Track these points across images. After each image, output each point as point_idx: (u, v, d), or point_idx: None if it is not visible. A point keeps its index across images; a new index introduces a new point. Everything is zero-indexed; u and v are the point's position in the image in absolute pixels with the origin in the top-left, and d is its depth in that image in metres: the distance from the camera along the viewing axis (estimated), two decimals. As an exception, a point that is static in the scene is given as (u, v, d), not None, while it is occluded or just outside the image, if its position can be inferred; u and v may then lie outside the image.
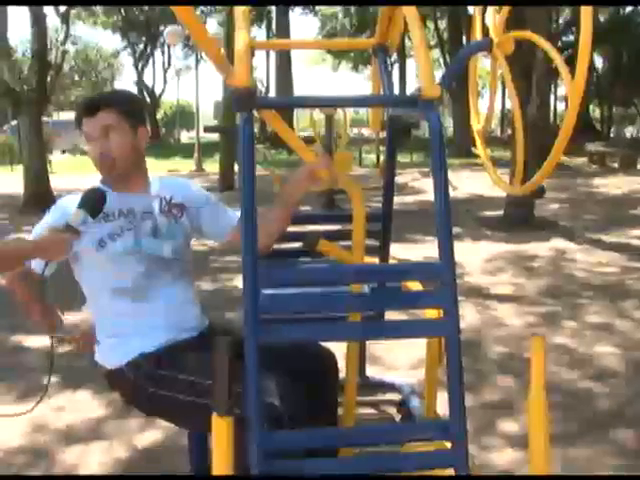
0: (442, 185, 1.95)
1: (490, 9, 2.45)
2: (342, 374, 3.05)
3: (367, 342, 3.89)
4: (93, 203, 2.38)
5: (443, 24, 33.51)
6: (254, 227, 1.88)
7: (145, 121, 2.68)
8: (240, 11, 2.29)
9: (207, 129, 3.39)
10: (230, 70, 2.11)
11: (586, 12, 1.82)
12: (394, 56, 32.92)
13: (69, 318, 2.79)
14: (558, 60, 2.00)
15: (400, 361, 4.82)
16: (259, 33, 38.14)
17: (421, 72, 2.08)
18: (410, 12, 2.23)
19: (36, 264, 2.43)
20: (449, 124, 34.38)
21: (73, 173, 18.79)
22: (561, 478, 3.31)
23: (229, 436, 1.76)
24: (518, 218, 10.61)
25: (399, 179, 16.92)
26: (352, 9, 35.62)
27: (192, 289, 2.69)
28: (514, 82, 2.38)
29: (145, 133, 2.61)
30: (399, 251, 7.37)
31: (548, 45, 2.07)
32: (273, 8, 35.16)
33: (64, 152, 31.06)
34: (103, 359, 2.53)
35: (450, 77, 2.19)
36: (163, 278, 2.54)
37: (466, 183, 15.98)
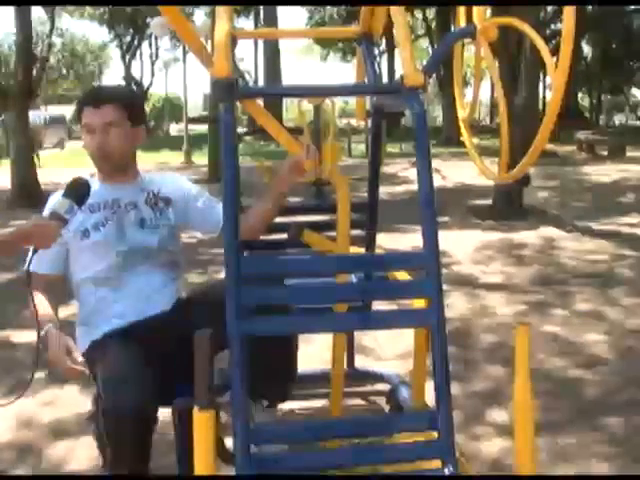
0: (426, 172, 1.94)
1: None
2: (329, 365, 3.05)
3: (355, 332, 3.87)
4: (78, 192, 2.38)
5: (431, 13, 33.43)
6: (235, 216, 1.86)
7: (145, 121, 2.77)
8: (222, 5, 2.27)
9: (192, 120, 3.37)
10: (209, 58, 2.08)
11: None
12: (382, 46, 32.89)
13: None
14: (542, 46, 1.99)
15: (389, 351, 4.81)
16: (246, 24, 37.94)
17: (403, 60, 2.07)
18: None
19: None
20: (438, 113, 34.39)
21: (61, 167, 18.68)
22: (560, 478, 3.30)
23: (210, 430, 1.74)
24: (506, 206, 10.61)
25: (388, 169, 16.92)
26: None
27: (174, 280, 2.73)
28: (501, 70, 2.37)
29: (143, 133, 2.69)
30: (388, 241, 7.36)
31: (532, 32, 2.06)
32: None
33: (56, 147, 30.83)
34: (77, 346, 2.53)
35: (433, 64, 2.17)
36: (142, 267, 2.60)
37: (455, 172, 15.99)
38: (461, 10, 2.61)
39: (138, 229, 2.64)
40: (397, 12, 2.21)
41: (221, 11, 2.15)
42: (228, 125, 1.90)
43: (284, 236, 2.80)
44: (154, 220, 2.67)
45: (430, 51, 36.07)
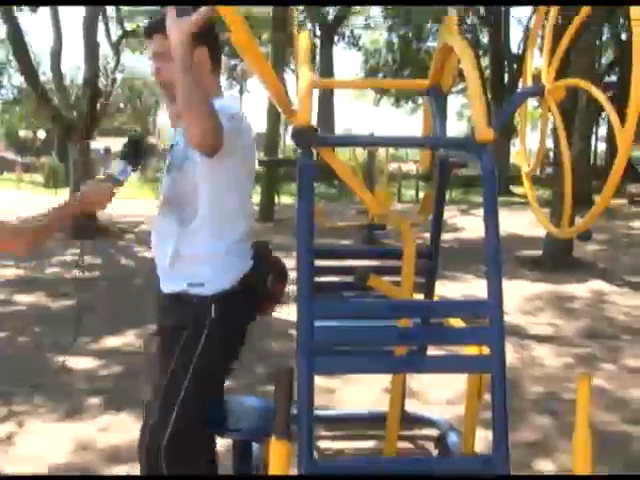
0: (493, 226, 2.02)
1: (543, 56, 2.53)
2: (384, 407, 3.11)
3: (405, 377, 3.92)
4: (132, 152, 2.47)
5: (485, 61, 33.63)
6: (310, 262, 1.96)
7: (205, 43, 2.46)
8: (302, 52, 2.40)
9: (262, 163, 3.48)
10: (289, 107, 2.21)
11: (637, 57, 1.86)
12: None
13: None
14: (609, 109, 2.06)
15: (438, 396, 4.83)
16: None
17: (475, 116, 2.16)
18: (465, 56, 2.32)
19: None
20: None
21: (118, 197, 19.08)
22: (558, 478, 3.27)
23: (286, 459, 1.82)
24: (557, 258, 10.57)
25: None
26: (395, 45, 35.91)
27: (172, 237, 2.52)
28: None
29: (202, 56, 2.45)
30: (438, 288, 7.38)
31: (601, 94, 2.14)
32: (317, 42, 35.68)
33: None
34: None
35: (503, 121, 2.26)
36: (156, 217, 2.60)
37: (504, 221, 15.89)
38: (528, 68, 2.71)
39: (165, 174, 2.59)
40: (469, 68, 2.31)
41: (303, 62, 2.28)
42: (307, 169, 2.02)
43: (348, 278, 2.90)
44: (173, 163, 2.55)
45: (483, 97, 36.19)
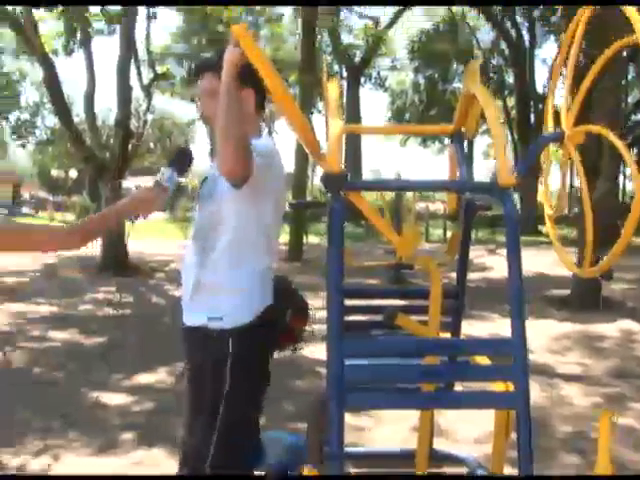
0: (516, 267, 2.10)
1: (563, 101, 2.62)
2: (412, 445, 3.16)
3: (433, 415, 3.97)
4: (179, 161, 2.58)
5: (511, 101, 33.82)
6: (340, 302, 2.06)
7: (251, 84, 2.56)
8: (332, 100, 2.52)
9: (292, 205, 3.59)
10: (319, 151, 2.31)
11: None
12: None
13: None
14: (627, 156, 2.15)
15: (466, 434, 4.86)
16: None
17: (498, 162, 2.26)
18: (488, 104, 2.43)
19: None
20: (517, 202, 34.32)
21: (147, 237, 19.38)
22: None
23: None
24: (585, 297, 10.55)
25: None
26: (422, 86, 36.28)
27: (198, 265, 2.60)
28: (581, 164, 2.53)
29: (248, 97, 2.59)
30: (464, 327, 7.42)
31: (618, 141, 2.23)
32: (344, 83, 36.17)
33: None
34: None
35: (525, 167, 2.35)
36: (189, 245, 2.68)
37: (531, 261, 15.90)
38: (549, 114, 2.81)
39: (196, 206, 2.70)
40: (492, 116, 2.41)
41: (333, 110, 2.40)
42: (337, 213, 2.12)
43: (376, 318, 2.97)
44: (203, 194, 2.64)
45: (509, 139, 36.36)
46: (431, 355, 2.51)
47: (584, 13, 2.42)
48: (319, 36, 28.67)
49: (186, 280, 2.64)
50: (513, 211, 2.15)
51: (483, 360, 2.81)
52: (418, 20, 36.84)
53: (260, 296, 2.55)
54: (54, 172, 57.35)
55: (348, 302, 3.09)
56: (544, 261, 14.37)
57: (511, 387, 2.21)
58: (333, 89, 2.62)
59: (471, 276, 13.54)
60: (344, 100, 37.23)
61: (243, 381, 2.51)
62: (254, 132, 2.60)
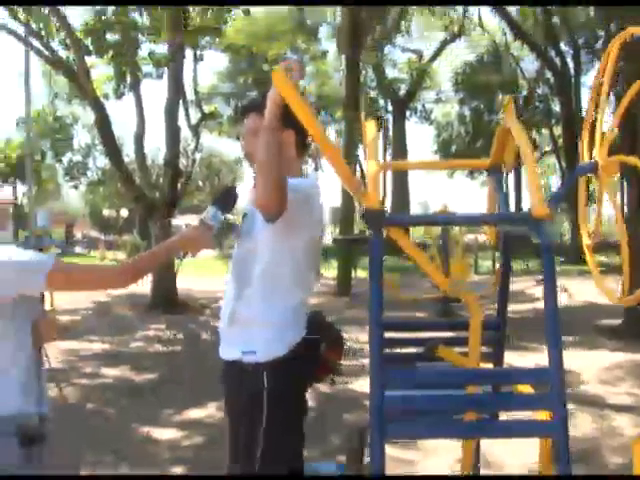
0: (552, 296, 2.16)
1: (596, 131, 2.67)
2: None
3: (480, 447, 3.98)
4: (224, 199, 2.66)
5: (558, 130, 33.61)
6: (380, 335, 2.13)
7: (291, 125, 2.56)
8: (369, 138, 2.62)
9: (336, 241, 3.67)
10: (357, 187, 2.40)
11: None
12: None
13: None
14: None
15: (511, 466, 4.85)
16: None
17: (531, 193, 2.32)
18: (521, 138, 2.50)
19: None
20: (567, 231, 33.94)
21: (195, 275, 19.62)
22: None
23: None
24: (636, 327, 10.38)
25: (514, 286, 16.77)
26: (467, 118, 36.30)
27: (237, 299, 2.68)
28: (631, 195, 2.57)
29: (289, 138, 2.66)
30: (515, 359, 7.40)
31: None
32: (390, 118, 36.45)
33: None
34: None
35: (558, 199, 2.40)
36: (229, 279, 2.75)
37: (582, 290, 15.70)
38: (584, 145, 2.85)
39: (235, 241, 2.78)
40: (526, 150, 2.48)
41: (371, 150, 2.50)
42: (377, 248, 2.21)
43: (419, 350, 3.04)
44: (242, 230, 2.72)
45: (557, 168, 36.12)
46: (472, 385, 2.56)
47: (615, 44, 2.48)
48: (363, 71, 28.99)
49: (224, 313, 2.74)
50: (548, 243, 2.20)
51: (525, 389, 2.85)
52: (461, 52, 37.00)
53: (293, 329, 2.61)
54: (105, 212, 58.57)
55: (394, 335, 3.17)
56: (594, 290, 14.18)
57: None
58: (371, 128, 2.73)
59: (520, 307, 13.52)
60: (390, 134, 37.48)
61: (280, 415, 2.54)
62: (295, 173, 2.68)
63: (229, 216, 2.66)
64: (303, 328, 2.64)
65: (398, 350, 3.30)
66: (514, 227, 2.76)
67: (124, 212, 56.24)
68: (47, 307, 2.66)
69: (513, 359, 7.17)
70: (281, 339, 2.57)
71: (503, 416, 3.08)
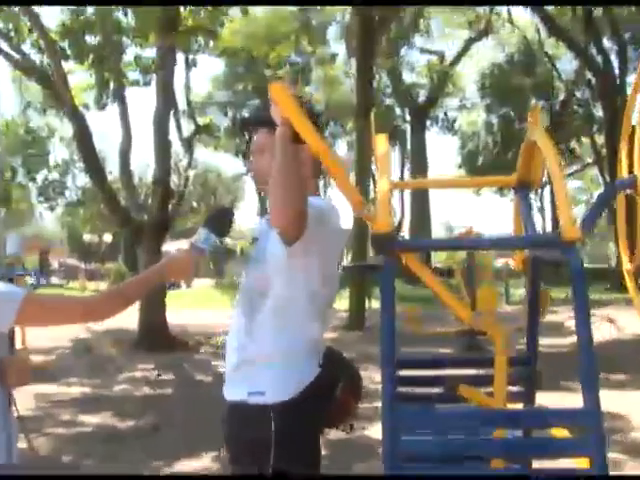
0: (584, 325, 2.19)
1: (635, 146, 2.71)
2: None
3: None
4: (216, 222, 2.68)
5: (600, 139, 33.55)
6: (392, 374, 2.17)
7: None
8: (380, 155, 2.67)
9: (346, 269, 3.69)
10: (359, 207, 2.44)
11: None
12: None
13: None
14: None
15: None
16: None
17: (561, 214, 2.36)
18: (549, 153, 2.55)
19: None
20: (613, 254, 33.83)
21: (193, 307, 19.56)
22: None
23: None
24: (693, 364, 10.34)
25: (553, 317, 16.69)
26: (495, 127, 36.29)
27: (247, 333, 2.68)
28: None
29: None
30: (554, 399, 7.34)
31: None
32: (408, 127, 36.51)
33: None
34: None
35: (591, 221, 2.44)
36: (236, 311, 2.76)
37: (633, 322, 15.59)
38: (622, 160, 2.89)
39: (245, 268, 2.78)
40: (554, 166, 2.52)
41: (382, 169, 2.55)
42: (388, 277, 2.25)
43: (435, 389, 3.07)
44: (253, 256, 2.73)
45: (600, 180, 36.03)
46: (500, 428, 2.58)
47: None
48: (377, 76, 29.07)
49: (229, 349, 2.74)
50: (578, 266, 2.23)
51: (559, 433, 2.86)
52: (488, 52, 36.99)
53: (307, 368, 2.59)
54: (86, 237, 58.47)
55: (412, 372, 3.19)
56: (644, 322, 14.10)
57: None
58: (382, 143, 2.77)
59: (561, 341, 13.42)
60: (408, 147, 37.52)
61: (288, 463, 2.51)
62: (311, 192, 2.66)
63: (227, 240, 2.69)
64: (317, 366, 2.62)
65: (417, 390, 3.32)
66: (543, 251, 2.79)
67: (107, 237, 56.25)
68: (18, 345, 2.67)
69: (553, 399, 7.13)
70: (292, 378, 2.56)
71: (535, 464, 3.10)
